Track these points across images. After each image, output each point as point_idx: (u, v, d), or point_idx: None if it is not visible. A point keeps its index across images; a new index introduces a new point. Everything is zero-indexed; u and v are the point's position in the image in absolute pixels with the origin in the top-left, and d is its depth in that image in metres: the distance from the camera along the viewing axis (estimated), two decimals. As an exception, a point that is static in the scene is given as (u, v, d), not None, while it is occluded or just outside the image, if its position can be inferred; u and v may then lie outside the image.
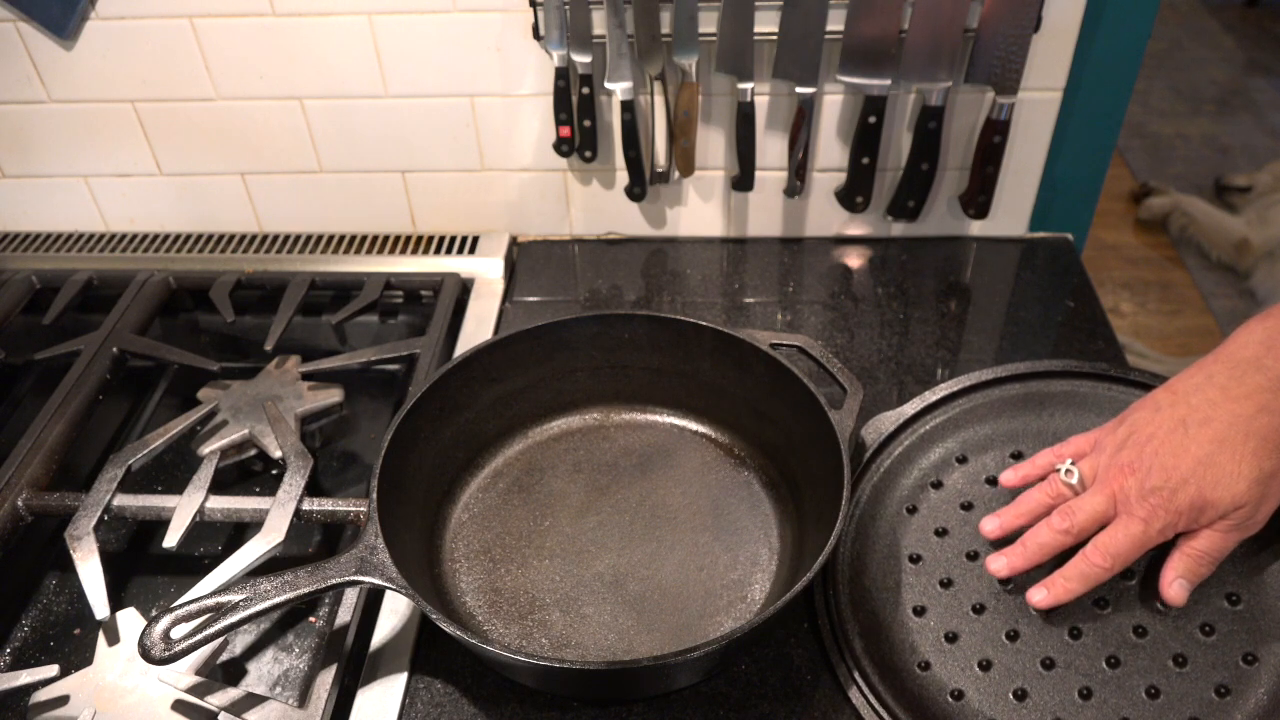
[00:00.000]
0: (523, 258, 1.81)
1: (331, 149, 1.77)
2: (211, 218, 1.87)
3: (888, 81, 1.56)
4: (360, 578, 1.19)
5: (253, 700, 1.23)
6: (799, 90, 1.57)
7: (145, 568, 1.45)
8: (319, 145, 1.77)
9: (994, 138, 1.57)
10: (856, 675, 1.24)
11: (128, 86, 1.74)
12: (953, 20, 1.48)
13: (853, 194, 1.65)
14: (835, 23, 1.55)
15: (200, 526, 1.41)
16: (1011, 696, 1.22)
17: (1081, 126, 1.64)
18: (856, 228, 1.74)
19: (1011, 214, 1.72)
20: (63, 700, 1.22)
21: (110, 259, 1.85)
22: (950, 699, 1.19)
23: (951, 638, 1.23)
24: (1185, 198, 4.23)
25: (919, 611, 1.25)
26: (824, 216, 1.76)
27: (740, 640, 1.13)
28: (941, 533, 1.30)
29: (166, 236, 1.89)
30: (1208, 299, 3.80)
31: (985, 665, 1.21)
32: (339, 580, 1.19)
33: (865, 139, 1.59)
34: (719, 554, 1.36)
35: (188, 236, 1.89)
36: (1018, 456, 1.34)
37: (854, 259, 1.73)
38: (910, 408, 1.38)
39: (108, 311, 1.71)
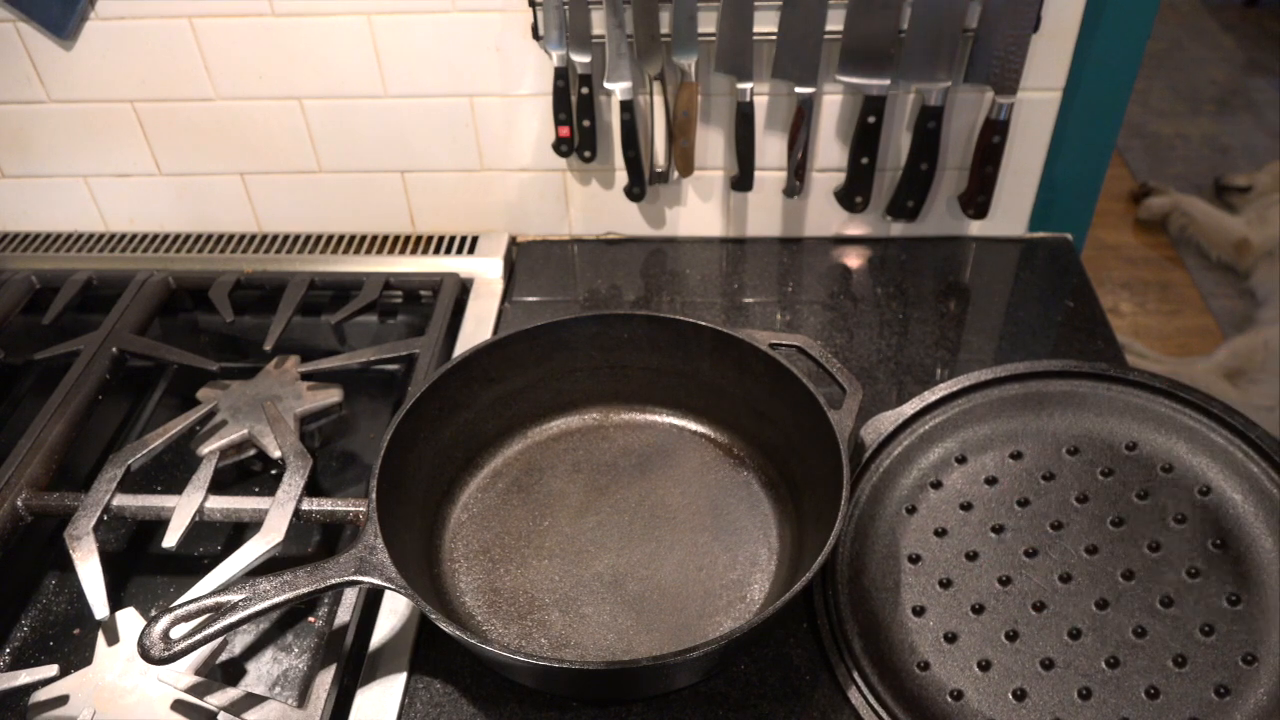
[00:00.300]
0: (522, 258, 1.80)
1: (331, 149, 1.76)
2: (211, 218, 1.87)
3: (887, 81, 1.55)
4: (359, 578, 1.19)
5: (252, 700, 1.23)
6: (798, 90, 1.57)
7: (145, 568, 1.44)
8: (318, 145, 1.76)
9: (993, 138, 1.56)
10: (856, 675, 1.23)
11: (127, 86, 1.74)
12: (952, 20, 1.47)
13: (852, 194, 1.64)
14: (834, 23, 1.54)
15: (199, 526, 1.41)
16: (1011, 697, 1.21)
17: (1081, 126, 1.63)
18: (856, 228, 1.73)
19: (1011, 214, 1.70)
20: (62, 700, 1.23)
21: (110, 259, 1.85)
22: (950, 699, 1.19)
23: (951, 638, 1.23)
24: (1185, 198, 4.19)
25: (918, 611, 1.25)
26: (823, 216, 1.75)
27: (739, 640, 1.13)
28: (941, 533, 1.30)
29: (166, 236, 1.89)
30: (1207, 299, 3.77)
31: (985, 665, 1.20)
32: (338, 580, 1.19)
33: (864, 139, 1.58)
34: (718, 554, 1.36)
35: (187, 236, 1.89)
36: (1017, 457, 1.33)
37: (853, 259, 1.72)
38: (909, 408, 1.38)
39: (107, 311, 1.71)
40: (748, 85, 1.59)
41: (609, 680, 1.23)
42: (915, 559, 1.28)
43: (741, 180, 1.63)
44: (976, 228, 1.73)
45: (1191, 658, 1.17)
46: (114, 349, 1.65)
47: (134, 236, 1.89)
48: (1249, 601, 1.18)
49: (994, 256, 1.72)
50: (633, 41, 1.57)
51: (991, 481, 1.32)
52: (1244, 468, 1.27)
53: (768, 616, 1.13)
